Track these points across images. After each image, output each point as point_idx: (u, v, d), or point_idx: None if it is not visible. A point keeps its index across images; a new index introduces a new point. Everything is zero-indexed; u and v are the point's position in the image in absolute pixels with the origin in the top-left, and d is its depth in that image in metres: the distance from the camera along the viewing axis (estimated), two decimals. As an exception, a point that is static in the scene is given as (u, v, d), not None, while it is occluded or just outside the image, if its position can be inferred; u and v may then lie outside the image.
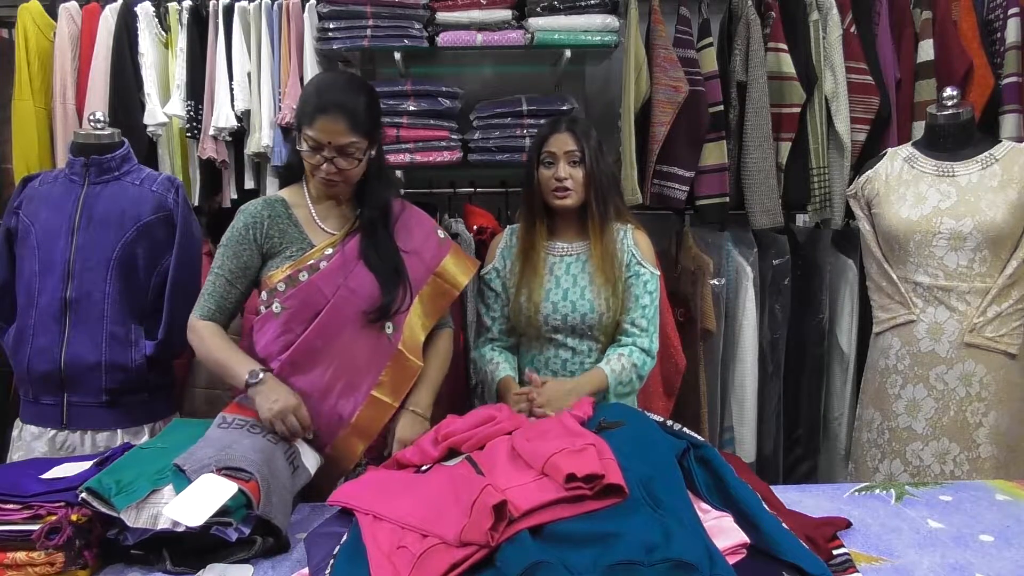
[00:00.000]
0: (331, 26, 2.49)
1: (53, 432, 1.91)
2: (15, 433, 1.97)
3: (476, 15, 2.50)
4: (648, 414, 1.47)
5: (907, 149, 2.06)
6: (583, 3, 2.50)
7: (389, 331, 1.71)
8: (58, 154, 2.59)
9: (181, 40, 2.55)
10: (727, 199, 2.57)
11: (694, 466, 1.31)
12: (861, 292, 2.58)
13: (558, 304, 1.86)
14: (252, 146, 2.53)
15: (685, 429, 1.41)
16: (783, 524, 1.22)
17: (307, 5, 2.54)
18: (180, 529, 1.24)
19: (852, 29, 2.58)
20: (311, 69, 2.52)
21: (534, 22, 2.50)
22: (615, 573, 1.02)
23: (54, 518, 1.22)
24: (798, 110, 2.55)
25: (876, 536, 1.36)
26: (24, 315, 1.90)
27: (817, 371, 2.75)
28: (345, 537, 1.23)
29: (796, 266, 2.69)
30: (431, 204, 2.57)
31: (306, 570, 1.22)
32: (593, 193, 1.85)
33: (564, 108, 2.54)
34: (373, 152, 1.70)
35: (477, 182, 2.74)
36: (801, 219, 2.92)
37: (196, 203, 2.61)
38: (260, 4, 2.55)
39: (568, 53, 2.54)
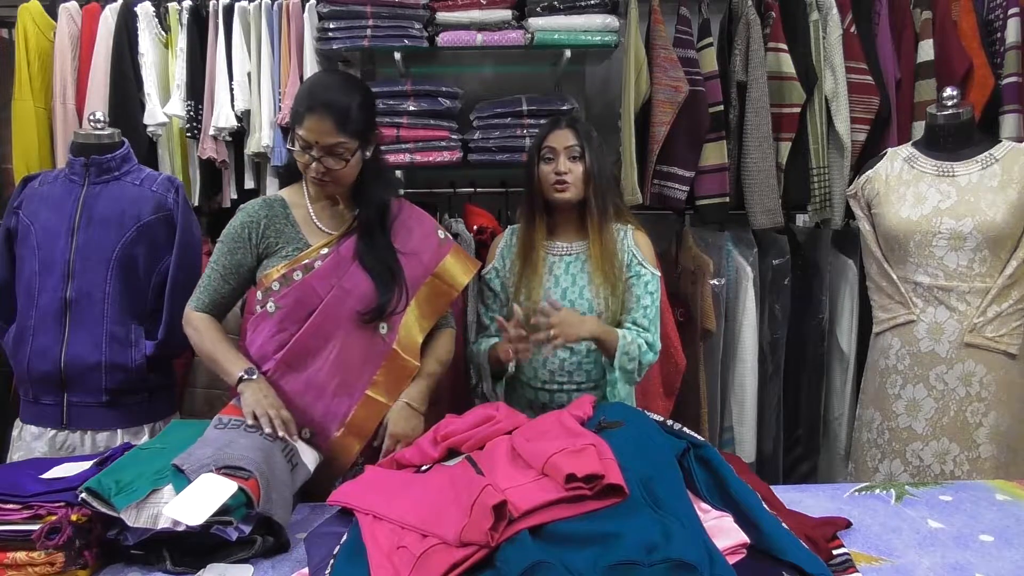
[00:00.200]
0: (331, 26, 2.49)
1: (53, 432, 1.91)
2: (15, 433, 1.97)
3: (476, 15, 2.50)
4: (648, 414, 1.47)
5: (907, 149, 2.06)
6: (583, 3, 2.49)
7: (383, 331, 1.71)
8: (58, 154, 2.59)
9: (181, 40, 2.55)
10: (727, 199, 2.57)
11: (694, 466, 1.31)
12: (861, 292, 2.58)
13: (557, 303, 1.86)
14: (252, 146, 2.54)
15: (685, 429, 1.41)
16: (783, 524, 1.21)
17: (307, 5, 2.54)
18: (180, 529, 1.24)
19: (852, 29, 2.57)
20: (311, 69, 2.52)
21: (534, 22, 2.50)
22: (615, 573, 1.02)
23: (54, 518, 1.22)
24: (798, 110, 2.55)
25: (876, 536, 1.36)
26: (24, 315, 1.91)
27: (817, 371, 2.75)
28: (345, 537, 1.23)
29: (796, 266, 2.69)
30: (431, 204, 2.56)
31: (306, 570, 1.22)
32: (592, 190, 1.85)
33: (564, 108, 2.54)
34: (367, 153, 1.69)
35: (477, 182, 2.74)
36: (801, 219, 2.92)
37: (196, 203, 2.62)
38: (260, 4, 2.55)
39: (568, 53, 2.53)
